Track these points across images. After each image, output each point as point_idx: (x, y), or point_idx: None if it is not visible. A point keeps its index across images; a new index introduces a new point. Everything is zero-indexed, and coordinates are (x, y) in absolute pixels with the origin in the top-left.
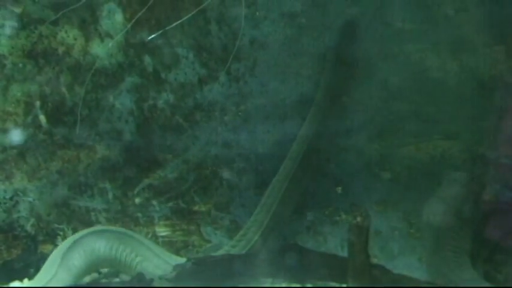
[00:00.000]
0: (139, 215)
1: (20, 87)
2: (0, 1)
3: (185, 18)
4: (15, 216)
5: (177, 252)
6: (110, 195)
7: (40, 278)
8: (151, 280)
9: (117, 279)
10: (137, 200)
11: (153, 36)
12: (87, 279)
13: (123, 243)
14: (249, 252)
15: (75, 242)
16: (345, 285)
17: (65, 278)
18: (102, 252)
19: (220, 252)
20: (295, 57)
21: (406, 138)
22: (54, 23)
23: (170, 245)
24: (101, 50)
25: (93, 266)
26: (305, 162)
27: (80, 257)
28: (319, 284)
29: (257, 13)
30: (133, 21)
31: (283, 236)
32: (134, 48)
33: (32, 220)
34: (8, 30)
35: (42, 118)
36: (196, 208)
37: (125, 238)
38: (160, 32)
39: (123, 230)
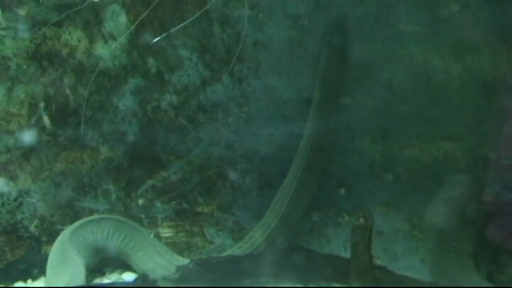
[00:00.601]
0: (142, 216)
1: (24, 88)
2: (4, 2)
3: (189, 20)
4: (19, 217)
5: (180, 253)
6: (114, 197)
7: (54, 261)
8: (155, 280)
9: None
10: (140, 201)
11: (157, 39)
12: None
13: (129, 235)
14: (252, 253)
15: (86, 223)
16: (347, 286)
17: (77, 259)
18: (109, 239)
19: (225, 253)
20: (299, 58)
21: (409, 140)
22: (58, 24)
23: (173, 246)
24: (105, 52)
25: (98, 249)
26: (312, 164)
27: (88, 238)
28: (323, 284)
29: (260, 15)
30: (136, 22)
31: (290, 238)
32: (138, 50)
33: (36, 221)
34: (15, 33)
35: (46, 119)
36: (199, 209)
37: (130, 230)
38: (164, 35)
39: (131, 222)
